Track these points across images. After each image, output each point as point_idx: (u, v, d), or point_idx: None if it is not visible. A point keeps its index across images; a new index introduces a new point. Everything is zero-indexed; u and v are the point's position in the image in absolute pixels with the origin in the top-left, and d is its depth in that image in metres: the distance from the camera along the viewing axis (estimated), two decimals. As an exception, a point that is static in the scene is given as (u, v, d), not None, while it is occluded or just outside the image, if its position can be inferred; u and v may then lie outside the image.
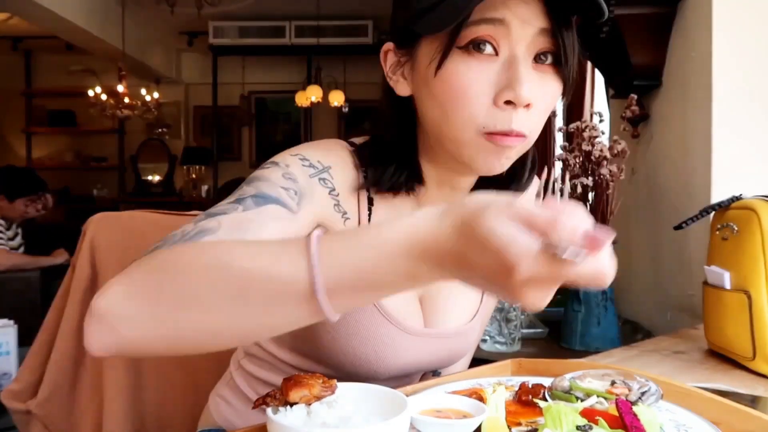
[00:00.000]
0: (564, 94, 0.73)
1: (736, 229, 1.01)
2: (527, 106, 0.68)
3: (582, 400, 0.66)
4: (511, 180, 0.82)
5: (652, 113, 1.72)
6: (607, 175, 1.42)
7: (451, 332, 0.87)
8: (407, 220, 0.48)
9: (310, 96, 5.93)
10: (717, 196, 1.36)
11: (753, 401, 0.86)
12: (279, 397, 0.58)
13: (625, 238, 1.77)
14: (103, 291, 0.54)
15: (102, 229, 1.10)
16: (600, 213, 1.44)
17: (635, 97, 1.63)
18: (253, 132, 7.41)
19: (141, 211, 1.18)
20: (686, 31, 1.54)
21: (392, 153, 0.79)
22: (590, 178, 1.43)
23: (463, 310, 0.89)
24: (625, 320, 1.73)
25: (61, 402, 1.07)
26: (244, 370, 0.93)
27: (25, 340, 2.46)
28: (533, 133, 0.72)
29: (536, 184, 0.83)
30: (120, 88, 5.97)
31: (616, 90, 1.85)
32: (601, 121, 1.56)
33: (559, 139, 1.61)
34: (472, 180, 0.82)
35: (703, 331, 1.12)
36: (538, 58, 0.69)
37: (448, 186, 0.82)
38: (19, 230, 3.79)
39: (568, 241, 0.41)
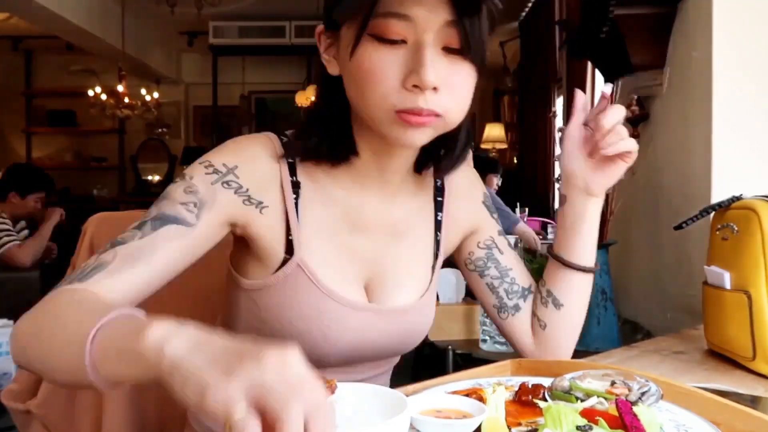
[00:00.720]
0: (480, 74, 0.77)
1: (736, 229, 1.01)
2: (434, 89, 0.72)
3: (582, 401, 0.66)
4: (444, 152, 0.87)
5: (652, 113, 1.72)
6: (607, 175, 1.42)
7: (397, 308, 0.88)
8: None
9: (310, 96, 5.94)
10: (717, 196, 1.36)
11: (753, 401, 0.87)
12: None
13: (625, 239, 1.77)
14: (21, 320, 0.69)
15: (102, 229, 1.10)
16: (600, 213, 1.44)
17: (635, 97, 1.63)
18: (252, 132, 7.41)
19: (141, 211, 1.18)
20: (686, 31, 1.54)
21: (324, 125, 0.83)
22: (590, 178, 1.43)
23: (411, 291, 0.90)
24: (625, 320, 1.73)
25: (61, 402, 1.07)
26: None
27: (25, 340, 2.45)
28: (450, 112, 0.75)
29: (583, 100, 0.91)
30: (120, 88, 5.97)
31: (616, 90, 1.85)
32: (601, 121, 1.55)
33: (559, 139, 1.61)
34: (403, 153, 0.85)
35: (703, 332, 1.12)
36: (446, 49, 0.73)
37: (385, 154, 0.84)
38: (25, 224, 3.80)
39: None
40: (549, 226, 3.70)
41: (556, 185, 1.61)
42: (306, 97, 5.96)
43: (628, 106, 1.66)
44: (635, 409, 0.60)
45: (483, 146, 6.29)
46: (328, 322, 0.82)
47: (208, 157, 0.81)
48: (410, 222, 0.91)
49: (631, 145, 0.89)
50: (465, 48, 0.73)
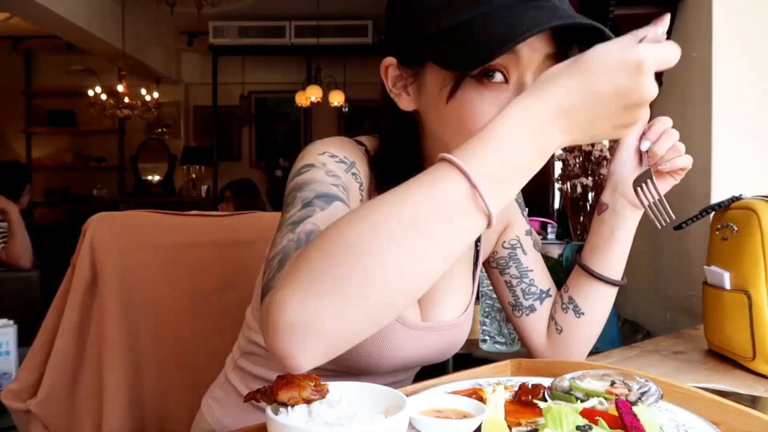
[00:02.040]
0: None
1: (736, 229, 1.01)
2: None
3: (582, 401, 0.66)
4: None
5: (652, 113, 1.72)
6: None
7: (446, 325, 0.88)
8: (519, 105, 0.54)
9: (309, 96, 5.94)
10: (717, 196, 1.36)
11: (753, 401, 0.86)
12: (269, 394, 0.58)
13: (625, 238, 1.76)
14: (279, 307, 0.52)
15: (102, 229, 1.10)
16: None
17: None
18: (252, 132, 7.41)
19: (141, 211, 1.18)
20: (686, 31, 1.54)
21: (400, 167, 0.79)
22: (590, 178, 1.43)
23: (456, 303, 0.91)
24: (625, 320, 1.73)
25: (61, 401, 1.07)
26: (242, 369, 0.93)
27: (25, 340, 2.45)
28: None
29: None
30: (120, 88, 5.97)
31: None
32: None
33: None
34: None
35: (703, 332, 1.12)
36: None
37: None
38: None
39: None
40: (549, 226, 3.69)
41: (556, 185, 1.61)
42: (306, 97, 5.96)
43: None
44: (635, 409, 0.60)
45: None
46: (387, 340, 0.81)
47: (324, 148, 0.76)
48: None
49: (687, 161, 0.88)
50: None
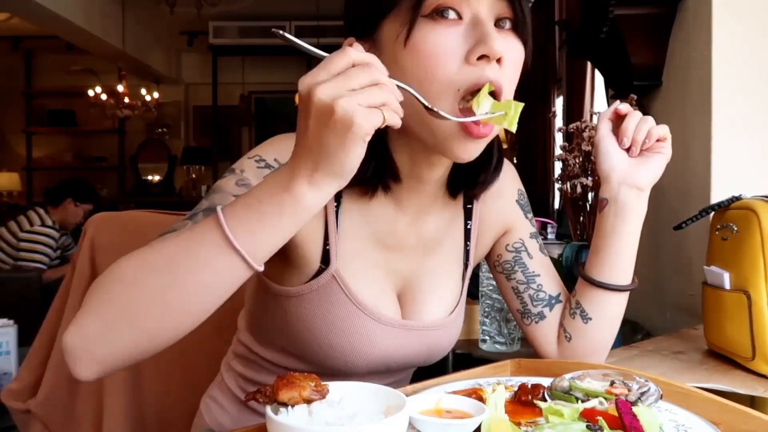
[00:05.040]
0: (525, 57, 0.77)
1: (735, 229, 1.01)
2: (499, 60, 0.71)
3: (582, 401, 0.66)
4: (479, 169, 0.84)
5: (652, 113, 1.72)
6: (607, 176, 1.41)
7: (428, 325, 0.87)
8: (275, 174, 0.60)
9: (310, 96, 5.92)
10: (717, 196, 1.36)
11: (752, 401, 0.87)
12: (269, 394, 0.58)
13: (625, 238, 1.76)
14: (67, 331, 0.60)
15: (102, 229, 1.10)
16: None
17: (635, 97, 1.63)
18: (252, 132, 7.42)
19: (141, 211, 1.18)
20: (686, 31, 1.54)
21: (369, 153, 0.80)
22: (590, 178, 1.43)
23: (443, 304, 0.89)
24: (625, 320, 1.72)
25: (61, 401, 1.07)
26: (234, 370, 0.94)
27: (25, 339, 2.45)
28: (507, 87, 0.73)
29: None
30: (120, 88, 5.97)
31: (616, 90, 1.85)
32: (600, 121, 1.56)
33: (558, 139, 1.61)
34: (441, 171, 0.83)
35: (702, 332, 1.12)
36: (497, 24, 0.73)
37: (422, 180, 0.83)
38: (72, 240, 3.89)
39: None
40: (549, 226, 3.69)
41: (556, 185, 1.61)
42: (306, 97, 5.95)
43: (627, 106, 1.66)
44: (635, 409, 0.60)
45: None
46: (358, 336, 0.81)
47: (258, 152, 0.79)
48: (441, 235, 0.90)
49: (659, 132, 0.88)
50: (517, 21, 0.73)
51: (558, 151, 1.56)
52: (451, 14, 0.70)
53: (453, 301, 0.91)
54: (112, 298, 0.60)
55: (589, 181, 1.43)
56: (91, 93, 6.10)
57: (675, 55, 1.60)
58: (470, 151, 0.74)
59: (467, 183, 0.86)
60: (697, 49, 1.46)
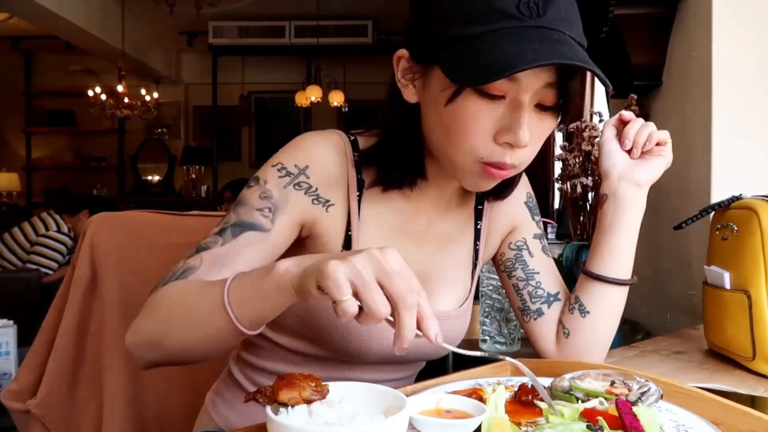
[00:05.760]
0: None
1: (735, 229, 1.01)
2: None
3: (582, 401, 0.66)
4: (501, 188, 0.89)
5: (652, 113, 1.72)
6: (607, 175, 1.41)
7: (440, 314, 0.89)
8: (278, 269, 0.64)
9: (309, 96, 5.93)
10: (717, 196, 1.36)
11: (753, 401, 0.87)
12: (269, 394, 0.58)
13: (625, 238, 1.76)
14: (127, 332, 0.75)
15: (102, 229, 1.10)
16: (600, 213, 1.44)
17: (635, 96, 1.63)
18: (252, 132, 7.41)
19: (141, 211, 1.18)
20: (686, 31, 1.54)
21: (400, 155, 0.84)
22: (590, 178, 1.43)
23: (454, 295, 0.92)
24: (625, 320, 1.72)
25: (61, 402, 1.07)
26: (244, 361, 0.94)
27: (25, 340, 2.45)
28: (525, 163, 0.79)
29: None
30: (120, 88, 5.96)
31: (615, 90, 1.85)
32: (600, 121, 1.56)
33: (559, 139, 1.61)
34: None
35: (703, 331, 1.12)
36: (539, 106, 0.75)
37: (450, 182, 0.88)
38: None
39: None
40: (549, 225, 3.69)
41: (556, 185, 1.61)
42: (305, 97, 5.96)
43: (627, 106, 1.66)
44: (635, 409, 0.60)
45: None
46: (371, 326, 0.82)
47: (279, 158, 0.83)
48: (455, 232, 0.94)
49: (660, 136, 0.92)
50: (560, 108, 0.76)
51: (558, 151, 1.56)
52: (498, 93, 0.72)
53: (463, 295, 0.94)
54: (148, 325, 0.74)
55: (589, 181, 1.43)
56: (90, 93, 6.10)
57: (675, 55, 1.60)
58: (484, 187, 0.81)
59: (489, 193, 0.90)
60: (697, 49, 1.46)
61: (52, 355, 1.07)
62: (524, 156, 0.77)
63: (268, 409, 0.57)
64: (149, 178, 7.52)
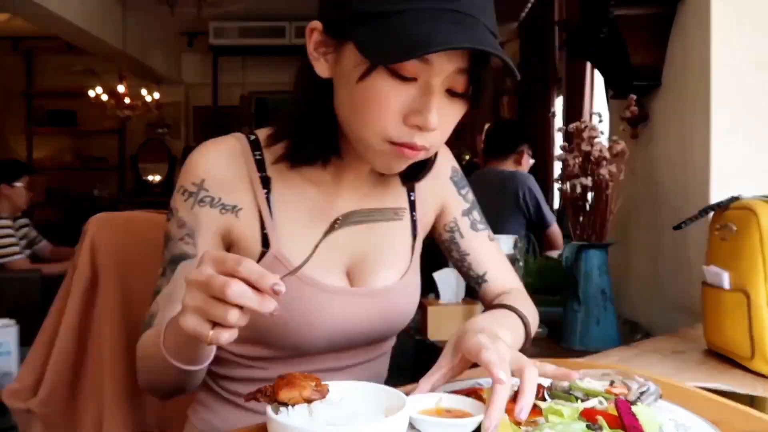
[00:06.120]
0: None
1: (734, 229, 1.01)
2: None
3: (582, 400, 0.66)
4: (416, 170, 0.88)
5: (652, 113, 1.73)
6: (607, 176, 1.42)
7: (380, 290, 0.89)
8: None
9: (310, 96, 5.92)
10: (716, 196, 1.36)
11: (752, 401, 0.87)
12: (269, 394, 0.58)
13: (625, 238, 1.77)
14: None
15: (102, 229, 1.10)
16: (599, 213, 1.44)
17: (635, 97, 1.63)
18: (253, 132, 7.41)
19: (141, 211, 1.18)
20: (686, 31, 1.54)
21: (310, 129, 0.83)
22: (589, 179, 1.43)
23: (393, 270, 0.92)
24: (625, 320, 1.73)
25: (62, 401, 1.07)
26: (211, 370, 0.94)
27: (25, 339, 2.46)
28: (436, 146, 0.79)
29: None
30: (120, 89, 5.97)
31: (615, 90, 1.85)
32: (600, 121, 1.56)
33: (558, 139, 1.61)
34: None
35: (702, 331, 1.12)
36: (449, 91, 0.75)
37: (356, 158, 0.85)
38: (27, 222, 3.79)
39: None
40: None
41: (556, 185, 1.61)
42: (306, 98, 5.94)
43: (627, 106, 1.66)
44: (634, 408, 0.60)
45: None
46: (309, 307, 0.83)
47: (180, 182, 0.84)
48: (386, 206, 0.94)
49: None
50: (471, 95, 0.76)
51: (558, 152, 1.56)
52: (409, 75, 0.72)
53: (404, 265, 0.94)
54: (140, 376, 0.81)
55: (589, 181, 1.43)
56: (91, 93, 6.11)
57: (675, 55, 1.60)
58: (395, 168, 0.80)
59: (405, 176, 0.90)
60: (697, 49, 1.46)
61: (53, 355, 1.07)
62: (434, 139, 0.77)
63: (269, 409, 0.57)
64: (150, 178, 7.52)
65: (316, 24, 0.80)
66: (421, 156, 0.78)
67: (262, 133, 0.88)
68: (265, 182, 0.85)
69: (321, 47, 0.79)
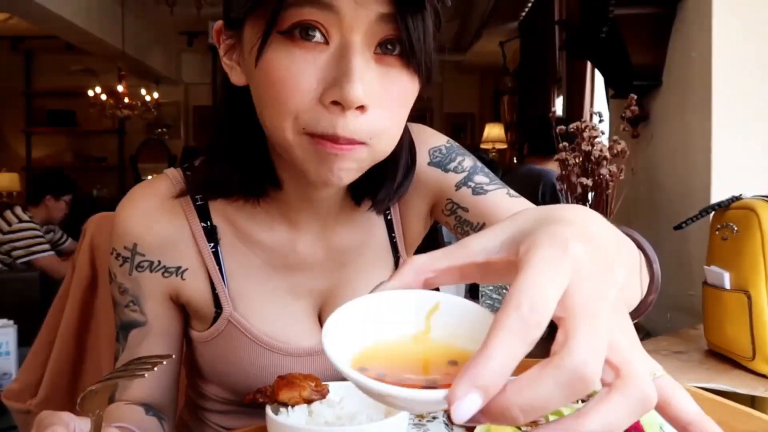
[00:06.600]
0: (421, 87, 0.61)
1: (735, 229, 1.01)
2: (360, 108, 0.55)
3: (582, 400, 0.66)
4: (380, 182, 0.71)
5: (652, 113, 1.73)
6: (607, 175, 1.42)
7: None
8: None
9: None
10: (717, 196, 1.36)
11: (753, 401, 0.87)
12: (269, 394, 0.58)
13: (625, 238, 1.76)
14: None
15: (102, 229, 1.10)
16: (600, 213, 1.44)
17: (635, 97, 1.63)
18: (253, 132, 7.41)
19: (141, 211, 1.18)
20: (686, 31, 1.54)
21: (232, 151, 0.67)
22: (590, 178, 1.43)
23: None
24: (625, 320, 1.73)
25: (61, 402, 1.07)
26: (189, 398, 0.90)
27: (25, 340, 2.45)
28: (380, 138, 0.58)
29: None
30: (120, 88, 5.97)
31: (615, 90, 1.85)
32: (600, 121, 1.56)
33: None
34: (331, 190, 0.70)
35: (702, 331, 1.12)
36: (383, 48, 0.56)
37: (311, 186, 0.68)
38: (62, 233, 3.88)
39: None
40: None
41: (556, 186, 1.61)
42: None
43: (627, 106, 1.66)
44: (635, 408, 0.60)
45: (483, 146, 6.30)
46: (273, 371, 0.73)
47: (112, 243, 0.73)
48: (357, 242, 0.78)
49: None
50: (406, 51, 0.56)
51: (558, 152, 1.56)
52: (317, 36, 0.55)
53: None
54: None
55: (589, 181, 1.43)
56: (90, 93, 6.10)
57: (675, 55, 1.60)
58: (329, 176, 0.58)
59: (372, 192, 0.73)
60: (697, 49, 1.46)
61: (52, 355, 1.06)
62: (368, 124, 0.56)
63: (269, 409, 0.57)
64: (149, 177, 7.51)
65: (219, 23, 0.65)
66: (357, 152, 0.57)
67: (195, 170, 0.73)
68: (210, 234, 0.71)
69: (230, 51, 0.64)
